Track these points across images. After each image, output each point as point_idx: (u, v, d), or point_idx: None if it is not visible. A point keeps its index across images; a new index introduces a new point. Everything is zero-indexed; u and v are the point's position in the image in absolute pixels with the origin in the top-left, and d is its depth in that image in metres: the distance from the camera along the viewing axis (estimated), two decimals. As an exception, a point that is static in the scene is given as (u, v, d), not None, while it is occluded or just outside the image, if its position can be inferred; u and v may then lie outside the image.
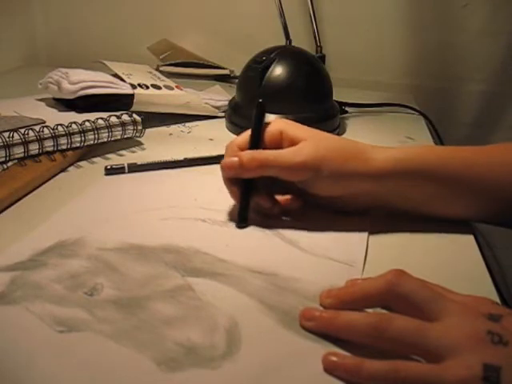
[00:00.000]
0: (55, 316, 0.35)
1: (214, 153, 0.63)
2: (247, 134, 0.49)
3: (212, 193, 0.54)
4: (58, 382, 0.30)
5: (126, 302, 0.37)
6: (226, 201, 0.52)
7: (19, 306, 0.36)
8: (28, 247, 0.42)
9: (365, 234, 0.47)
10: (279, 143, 0.48)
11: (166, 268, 0.41)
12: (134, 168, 0.58)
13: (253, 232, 0.47)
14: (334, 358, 0.32)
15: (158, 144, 0.67)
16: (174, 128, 0.75)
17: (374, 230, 0.48)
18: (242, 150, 0.48)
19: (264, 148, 0.48)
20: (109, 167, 0.58)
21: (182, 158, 0.61)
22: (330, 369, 0.31)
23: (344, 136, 0.76)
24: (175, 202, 0.52)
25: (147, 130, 0.66)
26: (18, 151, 0.55)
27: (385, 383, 0.30)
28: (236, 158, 0.46)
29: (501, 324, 0.30)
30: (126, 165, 0.58)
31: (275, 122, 0.49)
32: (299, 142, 0.46)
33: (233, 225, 0.48)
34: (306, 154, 0.45)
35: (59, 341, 0.33)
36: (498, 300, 0.39)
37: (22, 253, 0.42)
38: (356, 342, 0.33)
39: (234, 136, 0.73)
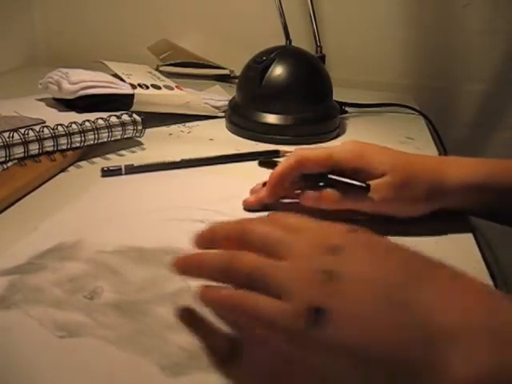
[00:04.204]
0: (55, 320, 0.35)
1: (214, 153, 0.63)
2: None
3: (210, 193, 0.54)
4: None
5: (127, 305, 0.37)
6: (225, 201, 0.52)
7: (19, 310, 0.35)
8: (26, 250, 0.42)
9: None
10: (357, 163, 0.48)
11: (167, 270, 0.41)
12: (131, 169, 0.58)
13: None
14: (206, 288, 0.32)
15: (158, 144, 0.67)
16: (174, 128, 0.75)
17: (373, 230, 0.48)
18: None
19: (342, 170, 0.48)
20: (105, 169, 0.57)
21: (178, 159, 0.60)
22: (201, 298, 0.32)
23: (344, 136, 0.76)
24: (174, 204, 0.52)
25: (147, 129, 0.66)
26: (18, 151, 0.55)
27: (229, 310, 0.31)
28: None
29: (341, 256, 0.30)
30: (122, 166, 0.58)
31: (351, 144, 0.49)
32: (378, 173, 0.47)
33: None
34: (385, 192, 0.46)
35: (60, 346, 0.33)
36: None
37: (20, 256, 0.41)
38: (209, 279, 0.32)
39: (234, 136, 0.73)
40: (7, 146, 0.54)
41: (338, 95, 0.80)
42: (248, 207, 0.51)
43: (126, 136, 0.64)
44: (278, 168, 0.50)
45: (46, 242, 0.43)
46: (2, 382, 0.30)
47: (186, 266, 0.34)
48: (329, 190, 0.47)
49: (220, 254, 0.33)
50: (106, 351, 0.32)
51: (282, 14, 0.82)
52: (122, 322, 0.35)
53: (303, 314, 0.28)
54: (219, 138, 0.72)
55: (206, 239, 0.35)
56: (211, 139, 0.71)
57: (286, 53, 0.74)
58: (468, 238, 0.49)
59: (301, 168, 0.49)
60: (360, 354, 0.27)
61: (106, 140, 0.62)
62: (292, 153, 0.50)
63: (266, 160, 0.54)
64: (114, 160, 0.62)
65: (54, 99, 0.70)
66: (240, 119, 0.74)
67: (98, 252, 0.43)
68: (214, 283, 0.32)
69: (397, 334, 0.26)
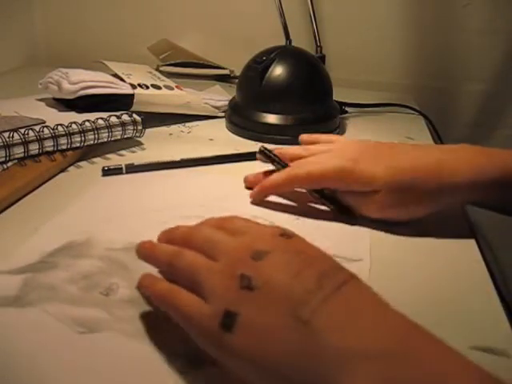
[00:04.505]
0: (74, 317, 0.35)
1: (214, 153, 0.63)
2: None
3: (211, 192, 0.54)
4: (87, 382, 0.30)
5: (143, 300, 0.37)
6: (227, 199, 0.52)
7: (36, 309, 0.36)
8: (36, 249, 0.42)
9: (367, 233, 0.48)
10: (348, 184, 0.49)
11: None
12: (132, 169, 0.58)
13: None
14: (145, 277, 0.35)
15: (158, 144, 0.67)
16: (174, 128, 0.75)
17: (374, 230, 0.48)
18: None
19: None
20: (106, 168, 0.57)
21: (178, 158, 0.60)
22: (139, 286, 0.35)
23: (344, 136, 0.76)
24: (176, 202, 0.52)
25: (147, 129, 0.66)
26: (18, 151, 0.55)
27: (162, 304, 0.33)
28: None
29: (262, 262, 0.30)
30: (123, 165, 0.58)
31: (343, 159, 0.49)
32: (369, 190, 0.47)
33: None
34: (373, 207, 0.48)
35: (82, 342, 0.33)
36: (498, 302, 0.39)
37: (31, 255, 0.41)
38: (157, 268, 0.36)
39: (234, 136, 0.73)
40: (7, 146, 0.54)
41: (338, 95, 0.80)
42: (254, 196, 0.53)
43: (125, 136, 0.64)
44: (270, 181, 0.52)
45: (55, 241, 0.43)
46: (29, 380, 0.30)
47: (141, 253, 0.37)
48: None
49: (168, 249, 0.35)
50: (128, 345, 0.33)
51: (282, 14, 0.82)
52: (140, 316, 0.35)
53: (217, 317, 0.29)
54: (219, 137, 0.72)
55: (166, 237, 0.38)
56: (211, 139, 0.71)
57: (286, 53, 0.74)
58: (468, 238, 0.49)
59: (291, 185, 0.51)
60: (258, 363, 0.27)
61: (106, 140, 0.62)
62: (286, 169, 0.52)
63: (266, 153, 0.54)
64: (114, 160, 0.62)
65: (54, 99, 0.70)
66: (240, 119, 0.74)
67: (108, 249, 0.43)
68: None
69: (293, 349, 0.27)
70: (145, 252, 0.37)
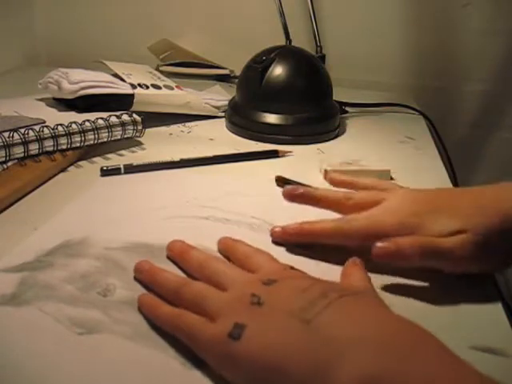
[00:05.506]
0: (72, 317, 0.35)
1: (214, 153, 0.63)
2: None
3: (210, 191, 0.54)
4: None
5: None
6: (226, 199, 0.52)
7: (32, 307, 0.35)
8: (33, 247, 0.42)
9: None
10: None
11: (176, 266, 0.41)
12: (130, 169, 0.58)
13: (257, 230, 0.47)
14: (148, 299, 0.36)
15: (158, 144, 0.67)
16: (174, 128, 0.75)
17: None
18: None
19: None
20: (105, 168, 0.57)
21: (178, 158, 0.60)
22: (141, 306, 0.36)
23: (344, 136, 0.76)
24: (176, 202, 0.52)
25: (147, 129, 0.66)
26: (18, 151, 0.55)
27: (167, 326, 0.34)
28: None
29: (272, 287, 0.33)
30: (121, 166, 0.58)
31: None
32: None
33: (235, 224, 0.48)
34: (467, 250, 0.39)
35: (81, 343, 0.33)
36: (498, 302, 0.39)
37: (27, 253, 0.41)
38: (163, 296, 0.36)
39: (234, 136, 0.73)
40: (7, 146, 0.54)
41: (338, 95, 0.80)
42: (275, 238, 0.46)
43: (125, 136, 0.64)
44: (314, 226, 0.44)
45: (52, 240, 0.43)
46: (25, 380, 0.30)
47: (142, 277, 0.39)
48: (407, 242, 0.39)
49: (174, 278, 0.37)
50: (127, 347, 0.33)
51: (282, 14, 0.82)
52: (138, 318, 0.35)
53: (226, 330, 0.30)
54: (219, 137, 0.72)
55: (181, 258, 0.41)
56: (211, 139, 0.71)
57: (285, 53, 0.74)
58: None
59: (338, 239, 0.43)
60: (262, 365, 0.29)
61: (106, 140, 0.62)
62: (335, 220, 0.44)
63: (283, 178, 0.55)
64: (114, 160, 0.62)
65: (54, 99, 0.70)
66: (240, 119, 0.74)
67: (106, 249, 0.43)
68: None
69: (296, 345, 0.28)
70: (146, 277, 0.39)
